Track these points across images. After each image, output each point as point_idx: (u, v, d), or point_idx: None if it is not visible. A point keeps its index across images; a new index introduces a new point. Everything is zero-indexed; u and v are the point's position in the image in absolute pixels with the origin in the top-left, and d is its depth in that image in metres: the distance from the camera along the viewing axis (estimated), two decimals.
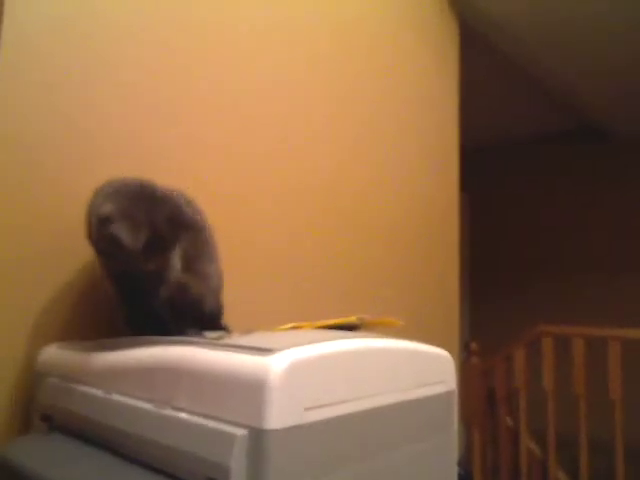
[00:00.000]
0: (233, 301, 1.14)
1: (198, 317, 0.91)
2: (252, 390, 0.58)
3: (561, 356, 2.79)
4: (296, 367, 0.59)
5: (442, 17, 2.20)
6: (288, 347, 0.61)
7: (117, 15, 1.11)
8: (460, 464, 0.85)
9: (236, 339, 0.71)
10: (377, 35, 1.83)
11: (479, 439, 2.97)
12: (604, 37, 2.69)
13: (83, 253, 1.01)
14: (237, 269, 1.30)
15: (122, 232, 0.78)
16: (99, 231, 0.81)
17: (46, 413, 0.87)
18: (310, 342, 0.64)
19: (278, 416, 0.57)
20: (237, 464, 0.57)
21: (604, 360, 2.62)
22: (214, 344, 0.69)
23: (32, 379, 0.94)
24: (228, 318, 1.06)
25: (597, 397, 2.87)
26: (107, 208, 0.79)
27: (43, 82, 0.98)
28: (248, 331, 0.86)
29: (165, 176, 1.18)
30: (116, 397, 0.75)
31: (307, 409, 0.60)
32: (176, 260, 0.87)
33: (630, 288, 4.13)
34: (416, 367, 0.76)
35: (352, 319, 0.85)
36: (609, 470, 2.72)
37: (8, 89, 0.93)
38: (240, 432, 0.58)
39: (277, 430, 0.57)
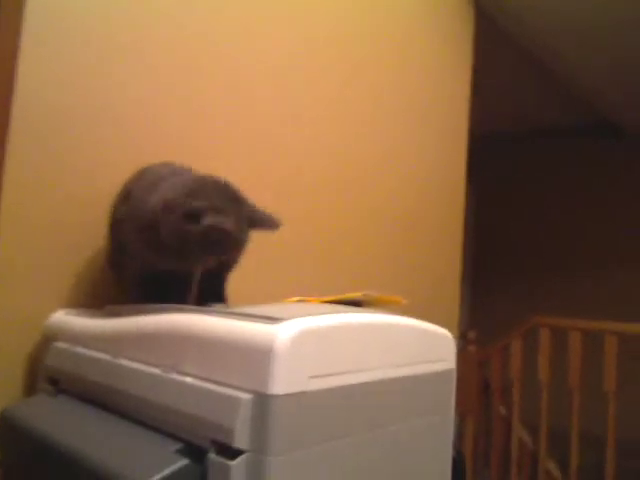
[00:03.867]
0: (239, 280, 1.15)
1: None
2: (258, 356, 0.60)
3: (557, 349, 2.81)
4: (302, 336, 0.61)
5: (458, 4, 2.19)
6: (295, 317, 0.63)
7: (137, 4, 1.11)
8: (454, 447, 0.87)
9: (243, 308, 0.73)
10: (389, 21, 1.83)
11: (472, 427, 3.00)
12: (621, 30, 2.68)
13: (90, 228, 1.02)
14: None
15: (227, 223, 0.78)
16: (197, 223, 0.78)
17: (53, 376, 0.89)
18: (317, 313, 0.66)
19: (283, 382, 0.59)
20: (241, 427, 0.59)
21: (600, 354, 2.64)
22: (221, 312, 0.71)
23: (40, 343, 0.96)
24: (232, 295, 1.08)
25: (591, 390, 2.90)
26: (202, 202, 0.78)
27: (68, 70, 0.99)
28: (254, 304, 0.88)
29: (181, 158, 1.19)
30: (123, 361, 0.77)
31: (311, 377, 0.62)
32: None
33: (631, 284, 4.16)
34: (418, 344, 0.77)
35: (357, 295, 0.86)
36: (600, 464, 2.75)
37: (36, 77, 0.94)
38: (245, 396, 0.59)
39: (281, 395, 0.59)
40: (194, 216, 0.77)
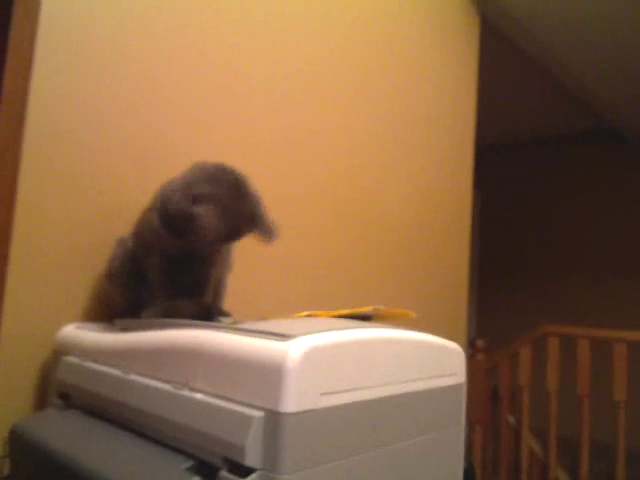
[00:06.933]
0: (248, 293, 1.15)
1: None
2: (270, 374, 0.60)
3: (566, 357, 2.79)
4: (313, 353, 0.61)
5: (463, 13, 2.19)
6: (306, 333, 0.63)
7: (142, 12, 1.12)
8: (466, 458, 0.87)
9: (253, 324, 0.73)
10: (395, 30, 1.83)
11: (480, 436, 2.98)
12: (624, 38, 2.68)
13: (101, 242, 1.03)
14: (252, 263, 1.32)
15: (207, 217, 0.80)
16: (186, 206, 0.82)
17: (63, 391, 0.89)
18: (327, 329, 0.66)
19: (294, 400, 0.59)
20: (253, 445, 0.58)
21: (609, 362, 2.62)
22: (232, 328, 0.70)
23: (50, 357, 0.96)
24: (241, 309, 1.08)
25: (600, 399, 2.88)
26: (205, 189, 0.82)
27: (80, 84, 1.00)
28: (263, 319, 0.88)
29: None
30: (134, 377, 0.77)
31: (323, 394, 0.61)
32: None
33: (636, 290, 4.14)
34: (429, 358, 0.77)
35: (367, 309, 0.86)
36: (610, 473, 2.73)
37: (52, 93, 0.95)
38: (257, 414, 0.59)
39: (293, 413, 0.58)
40: (196, 200, 0.82)
